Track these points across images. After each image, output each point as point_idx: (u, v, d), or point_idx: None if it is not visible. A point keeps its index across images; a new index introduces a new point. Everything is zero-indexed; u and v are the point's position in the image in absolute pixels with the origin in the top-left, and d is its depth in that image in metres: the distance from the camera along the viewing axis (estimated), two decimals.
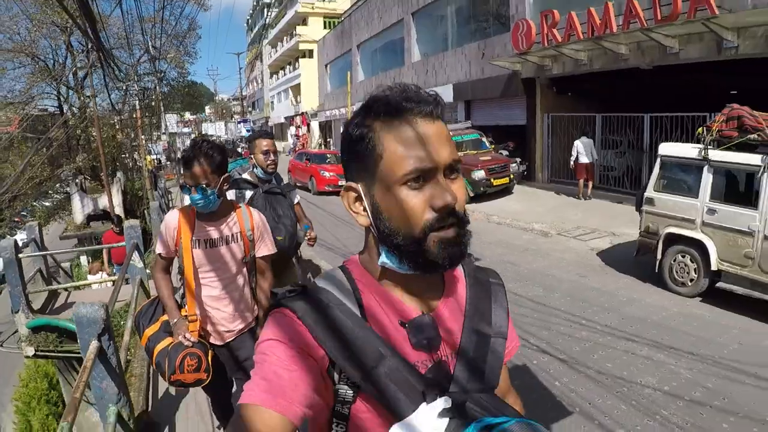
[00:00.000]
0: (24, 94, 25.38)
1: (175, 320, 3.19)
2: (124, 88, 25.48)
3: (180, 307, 3.30)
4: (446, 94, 22.10)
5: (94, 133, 24.29)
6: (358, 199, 1.11)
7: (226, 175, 3.20)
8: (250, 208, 3.43)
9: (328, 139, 43.95)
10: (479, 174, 16.09)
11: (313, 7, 51.07)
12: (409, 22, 26.44)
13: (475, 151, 17.17)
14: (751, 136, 7.01)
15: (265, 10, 64.05)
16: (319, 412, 1.02)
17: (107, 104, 25.26)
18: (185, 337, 3.12)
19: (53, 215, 26.25)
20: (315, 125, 46.49)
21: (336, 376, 1.04)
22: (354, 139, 1.08)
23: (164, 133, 37.79)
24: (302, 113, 49.77)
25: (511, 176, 16.89)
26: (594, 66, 14.90)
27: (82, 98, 25.71)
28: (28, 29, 23.99)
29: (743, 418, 4.82)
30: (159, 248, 3.31)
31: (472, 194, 16.11)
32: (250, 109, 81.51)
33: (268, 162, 4.34)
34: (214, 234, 3.24)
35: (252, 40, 78.88)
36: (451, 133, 1.16)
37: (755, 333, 6.64)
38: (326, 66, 43.16)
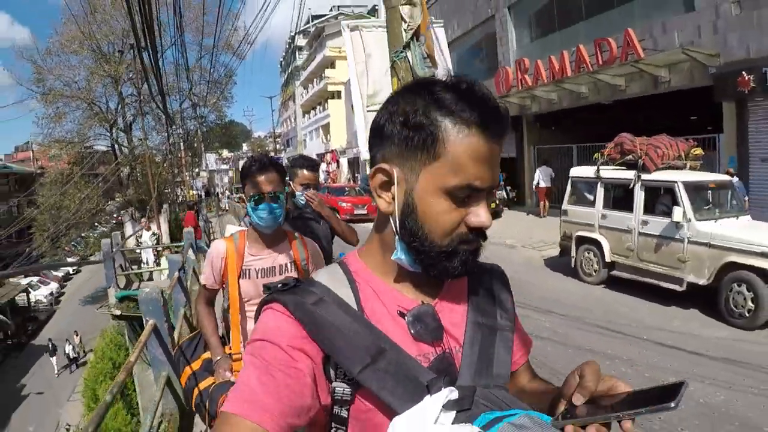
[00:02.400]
0: (81, 135, 28.70)
1: (218, 358, 2.88)
2: (168, 131, 28.68)
3: (224, 343, 3.00)
4: None
5: (141, 171, 27.52)
6: (388, 184, 1.03)
7: (288, 193, 3.02)
8: (304, 237, 3.09)
9: (356, 174, 46.40)
10: None
11: (340, 51, 53.90)
12: None
13: None
14: (627, 157, 9.34)
15: (296, 53, 67.54)
16: (313, 417, 0.98)
17: (154, 145, 28.29)
18: (228, 378, 2.79)
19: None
20: (344, 161, 49.05)
21: (332, 373, 0.98)
22: (410, 124, 0.97)
23: (204, 170, 40.62)
24: (332, 150, 52.36)
25: (497, 202, 19.05)
26: (563, 104, 17.34)
27: (131, 140, 28.93)
28: (88, 79, 27.33)
29: (622, 361, 7.06)
30: (204, 278, 3.02)
31: None
32: (282, 146, 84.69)
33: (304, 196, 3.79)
34: (266, 263, 2.92)
35: (285, 81, 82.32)
36: None
37: (638, 308, 8.90)
38: (352, 107, 45.79)
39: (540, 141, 19.84)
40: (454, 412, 0.87)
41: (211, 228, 25.22)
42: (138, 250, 17.02)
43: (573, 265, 10.67)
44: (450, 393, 0.88)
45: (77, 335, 24.08)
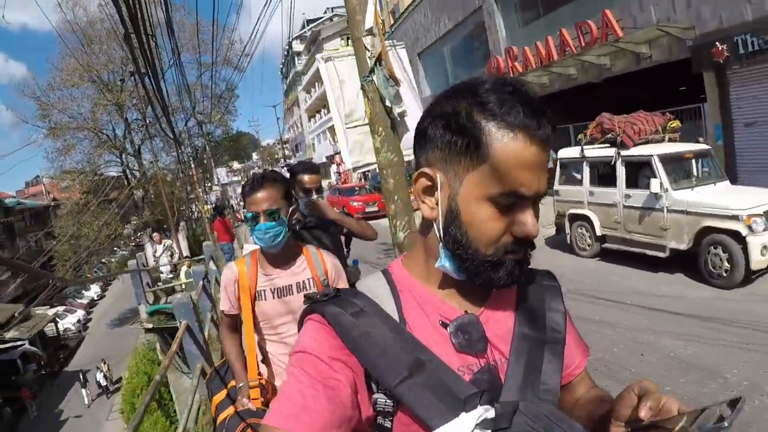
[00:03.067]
0: (92, 164, 29.76)
1: (240, 385, 2.78)
2: (177, 152, 29.63)
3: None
4: None
5: (155, 192, 28.56)
6: (432, 189, 1.02)
7: (294, 207, 2.82)
8: (320, 249, 2.96)
9: (367, 173, 47.06)
10: None
11: (337, 52, 54.63)
12: (416, 62, 29.76)
13: None
14: (608, 135, 9.98)
15: (296, 58, 68.32)
16: (356, 427, 0.98)
17: (164, 165, 29.19)
18: (246, 405, 2.72)
19: (126, 265, 30.43)
20: None
21: (374, 385, 0.99)
22: (452, 128, 0.97)
23: (216, 184, 41.43)
24: (340, 152, 52.85)
25: None
26: (555, 87, 17.92)
27: (142, 163, 29.97)
28: (93, 111, 28.37)
29: (606, 324, 7.59)
30: (221, 305, 2.96)
31: None
32: (290, 153, 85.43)
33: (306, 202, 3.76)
34: (282, 282, 2.80)
35: (287, 88, 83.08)
36: None
37: (630, 276, 9.58)
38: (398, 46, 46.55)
39: None
40: (489, 431, 0.85)
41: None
42: (157, 265, 17.74)
43: (568, 242, 11.37)
44: (485, 412, 0.87)
45: (105, 363, 24.50)
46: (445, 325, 1.04)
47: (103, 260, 33.83)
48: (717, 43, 11.94)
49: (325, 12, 65.39)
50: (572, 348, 1.21)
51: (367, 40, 6.18)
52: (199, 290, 8.29)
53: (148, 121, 26.53)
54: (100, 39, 28.13)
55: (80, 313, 38.63)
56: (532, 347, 1.09)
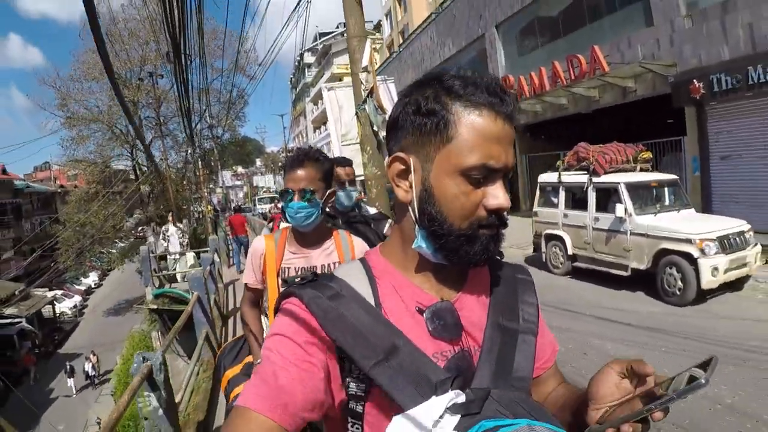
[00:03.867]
0: (103, 156, 30.57)
1: (258, 361, 2.29)
2: (193, 150, 30.42)
3: None
4: None
5: (157, 188, 29.36)
6: (405, 172, 1.05)
7: (332, 190, 2.75)
8: (350, 234, 2.89)
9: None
10: None
11: (347, 68, 55.47)
12: None
13: None
14: (582, 163, 10.67)
15: (306, 70, 69.27)
16: (329, 411, 1.00)
17: (173, 163, 29.90)
18: None
19: (126, 256, 31.15)
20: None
21: (347, 368, 1.00)
22: (422, 111, 1.00)
23: (221, 187, 42.18)
24: None
25: None
26: (547, 115, 18.67)
27: (153, 159, 30.80)
28: (109, 104, 29.20)
29: (560, 330, 8.38)
30: (245, 277, 2.92)
31: None
32: None
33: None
34: (307, 262, 2.77)
35: (296, 97, 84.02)
36: None
37: (598, 293, 10.20)
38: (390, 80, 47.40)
39: (531, 150, 21.05)
40: (459, 416, 0.86)
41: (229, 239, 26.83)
42: (165, 243, 18.57)
43: (543, 260, 12.00)
44: (456, 396, 0.88)
45: (94, 355, 24.74)
46: (421, 311, 1.05)
47: (102, 250, 34.33)
48: (695, 80, 12.66)
49: (337, 26, 66.29)
50: (543, 342, 1.22)
51: (363, 76, 7.44)
52: (207, 273, 9.36)
53: (161, 120, 27.40)
54: (122, 38, 28.94)
55: (77, 299, 39.40)
56: (505, 337, 1.09)
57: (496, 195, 0.99)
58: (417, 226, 1.04)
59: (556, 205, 11.51)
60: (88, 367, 24.31)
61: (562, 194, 11.31)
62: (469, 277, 1.15)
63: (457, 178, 0.98)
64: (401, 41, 38.99)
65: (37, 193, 50.12)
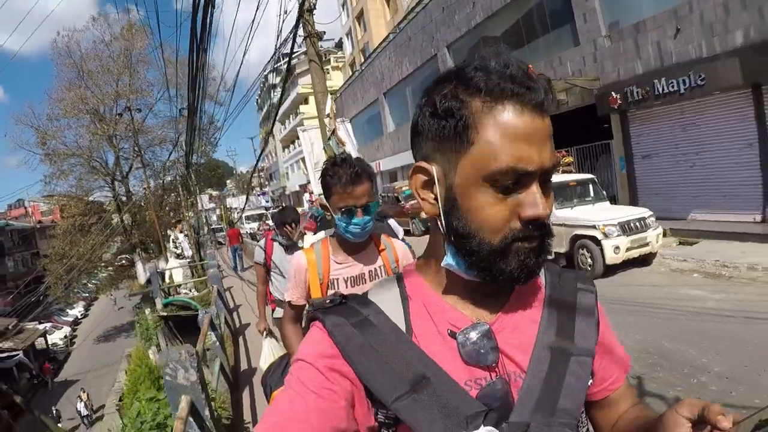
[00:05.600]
0: (84, 189, 32.43)
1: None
2: (163, 179, 32.46)
3: None
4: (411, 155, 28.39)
5: (139, 216, 31.53)
6: (429, 183, 0.97)
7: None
8: (389, 237, 2.87)
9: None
10: (424, 214, 22.30)
11: (311, 124, 56.95)
12: (383, 100, 32.86)
13: None
14: None
15: (271, 91, 71.30)
16: None
17: (151, 191, 31.87)
18: None
19: (114, 284, 33.15)
20: None
21: (375, 397, 0.94)
22: (439, 112, 0.91)
23: (200, 211, 44.06)
24: (310, 183, 55.21)
25: None
26: None
27: (129, 190, 32.77)
28: (90, 139, 31.11)
29: None
30: (288, 295, 2.85)
31: (423, 229, 21.82)
32: (265, 181, 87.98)
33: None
34: (354, 270, 2.72)
35: (263, 118, 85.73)
36: None
37: None
38: (348, 120, 49.32)
39: None
40: None
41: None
42: (177, 250, 21.50)
43: None
44: None
45: (84, 392, 24.35)
46: (453, 335, 0.97)
47: (85, 281, 36.12)
48: (613, 92, 14.87)
49: (300, 46, 68.09)
50: (610, 360, 1.13)
51: (327, 120, 10.20)
52: (215, 291, 11.68)
53: (140, 150, 29.44)
54: (94, 74, 30.82)
55: (66, 330, 41.30)
56: (556, 360, 0.99)
57: (532, 202, 0.88)
58: (445, 243, 0.98)
59: None
60: (80, 406, 23.65)
61: (552, 190, 13.55)
62: (513, 294, 1.05)
63: (484, 186, 0.89)
64: (362, 59, 41.32)
65: (18, 231, 51.60)
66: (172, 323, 13.98)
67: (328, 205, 2.68)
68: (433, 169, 0.95)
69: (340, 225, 2.61)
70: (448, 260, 0.97)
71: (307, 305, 2.85)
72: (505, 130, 0.86)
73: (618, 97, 14.81)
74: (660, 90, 13.53)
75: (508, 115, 0.87)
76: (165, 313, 15.04)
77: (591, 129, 16.94)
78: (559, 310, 1.06)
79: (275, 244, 5.30)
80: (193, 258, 21.73)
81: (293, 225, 5.19)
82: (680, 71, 12.90)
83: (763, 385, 5.62)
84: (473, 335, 0.96)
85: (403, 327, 0.99)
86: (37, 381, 29.85)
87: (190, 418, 4.02)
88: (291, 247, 5.13)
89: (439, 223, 0.97)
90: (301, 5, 10.02)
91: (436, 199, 0.96)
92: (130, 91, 30.95)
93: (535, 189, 0.89)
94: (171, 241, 22.61)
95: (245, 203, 46.57)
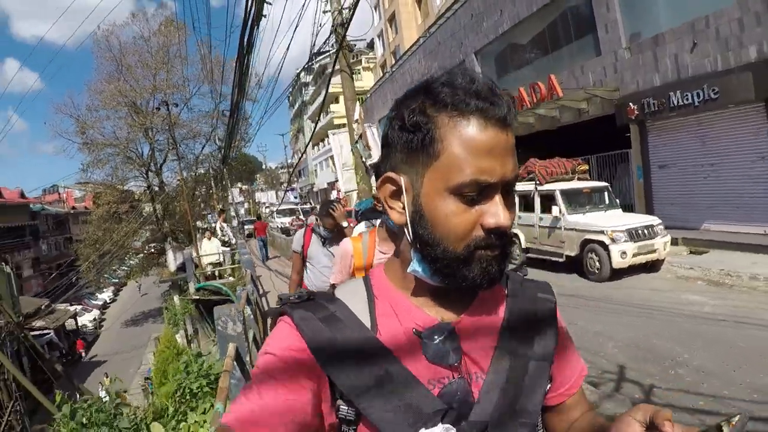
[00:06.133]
0: (120, 178, 33.74)
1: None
2: (195, 171, 33.52)
3: None
4: None
5: (171, 206, 32.66)
6: (397, 193, 1.01)
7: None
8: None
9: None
10: None
11: (340, 129, 57.64)
12: None
13: None
14: (531, 175, 13.58)
15: (303, 89, 72.25)
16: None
17: (183, 183, 33.01)
18: None
19: (144, 271, 34.31)
20: None
21: (338, 392, 0.97)
22: (408, 126, 0.95)
23: (231, 204, 45.22)
24: (338, 181, 55.96)
25: None
26: (519, 132, 21.32)
27: (162, 181, 33.91)
28: (128, 131, 32.39)
29: None
30: (333, 278, 3.12)
31: None
32: (295, 178, 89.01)
33: None
34: None
35: (294, 115, 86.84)
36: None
37: (544, 277, 12.94)
38: (377, 122, 49.97)
39: None
40: None
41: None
42: (223, 235, 23.32)
43: None
44: (445, 431, 0.86)
45: (107, 377, 23.98)
46: (418, 334, 1.00)
47: (114, 268, 37.39)
48: (630, 103, 15.32)
49: (332, 46, 68.85)
50: (567, 366, 1.18)
51: (355, 126, 11.20)
52: (248, 275, 12.54)
53: (177, 145, 30.59)
54: (132, 68, 32.14)
55: (96, 313, 42.68)
56: (515, 363, 1.04)
57: (493, 213, 0.93)
58: (412, 249, 1.01)
59: None
60: (102, 393, 23.33)
61: (516, 200, 14.14)
62: (477, 297, 1.09)
63: (449, 197, 0.93)
64: (393, 61, 41.92)
65: (53, 216, 53.34)
66: (203, 307, 14.78)
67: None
68: (402, 180, 0.99)
69: (386, 218, 2.78)
70: (414, 266, 1.01)
71: None
72: (470, 143, 0.90)
73: (635, 108, 15.23)
74: (675, 102, 13.92)
75: (473, 129, 0.91)
76: (197, 297, 15.88)
77: (611, 138, 17.29)
78: (519, 317, 1.10)
79: (314, 235, 5.43)
80: (228, 245, 22.70)
81: (334, 207, 5.23)
82: (695, 84, 13.29)
83: (736, 380, 6.17)
84: (437, 335, 0.99)
85: (368, 324, 1.02)
86: (66, 360, 30.90)
87: (234, 362, 4.71)
88: (329, 240, 5.28)
89: (406, 231, 1.01)
90: (334, 20, 10.74)
91: (404, 208, 1.00)
92: (167, 86, 32.07)
93: (497, 200, 0.93)
94: (218, 229, 23.79)
95: (282, 199, 47.30)
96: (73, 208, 59.06)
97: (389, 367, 0.96)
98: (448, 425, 0.88)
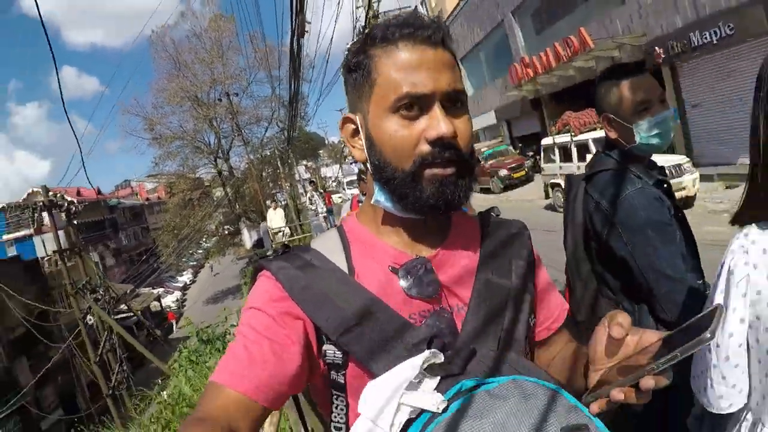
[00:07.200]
0: (190, 168, 36.59)
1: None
2: (261, 153, 36.17)
3: None
4: (490, 117, 31.02)
5: (243, 188, 35.52)
6: (357, 132, 1.07)
7: None
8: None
9: None
10: (503, 172, 24.40)
11: None
12: (460, 65, 34.49)
13: (503, 158, 25.44)
14: (567, 126, 15.02)
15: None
16: (310, 382, 1.04)
17: (252, 166, 35.54)
18: None
19: (221, 251, 37.27)
20: None
21: (324, 337, 1.01)
22: (351, 67, 1.05)
23: (298, 181, 47.63)
24: None
25: (526, 170, 24.50)
26: (559, 85, 22.57)
27: (230, 166, 36.55)
28: (194, 123, 34.98)
29: None
30: None
31: (502, 186, 24.35)
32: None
33: None
34: None
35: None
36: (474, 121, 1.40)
37: None
38: None
39: (558, 115, 24.57)
40: (438, 377, 0.84)
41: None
42: (313, 207, 26.08)
43: (552, 203, 16.36)
44: (433, 356, 0.85)
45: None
46: (395, 271, 1.04)
47: (191, 251, 40.60)
48: (656, 47, 16.21)
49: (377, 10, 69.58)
50: (549, 302, 1.23)
51: None
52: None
53: (242, 131, 33.03)
54: (189, 65, 34.52)
55: (177, 294, 46.80)
56: (495, 294, 1.07)
57: (433, 125, 0.96)
58: (374, 180, 1.07)
59: (554, 161, 15.86)
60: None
61: (556, 151, 15.70)
62: (451, 232, 1.14)
63: (391, 117, 0.99)
64: None
65: (129, 208, 57.43)
66: None
67: None
68: (357, 118, 1.07)
69: None
70: (376, 196, 1.06)
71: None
72: (399, 64, 0.99)
73: (662, 51, 16.05)
74: (696, 42, 14.62)
75: (401, 52, 0.99)
76: None
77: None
78: (495, 251, 1.15)
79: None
80: (293, 219, 24.64)
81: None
82: (711, 23, 13.98)
83: None
84: (413, 269, 1.04)
85: (345, 269, 1.07)
86: (152, 339, 33.88)
87: None
88: None
89: (368, 164, 1.06)
90: (367, 13, 12.18)
91: (363, 144, 1.07)
92: (225, 77, 34.10)
93: (437, 111, 0.97)
94: (308, 199, 26.21)
95: (341, 171, 48.87)
96: (147, 199, 63.34)
97: (370, 306, 1.00)
98: (434, 350, 0.88)
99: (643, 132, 2.15)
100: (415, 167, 0.99)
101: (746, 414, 1.34)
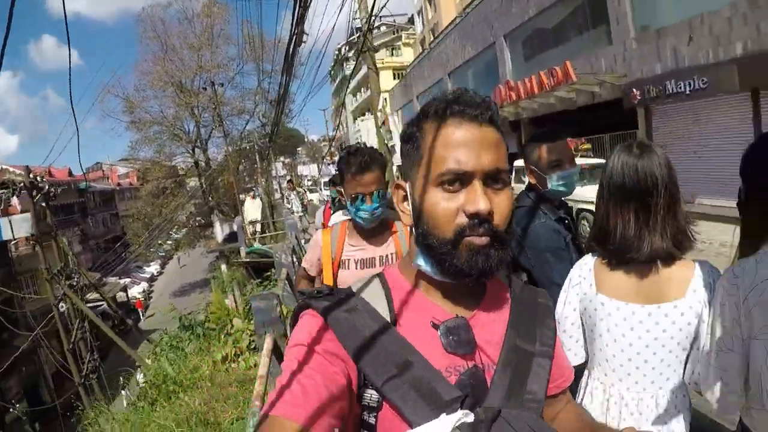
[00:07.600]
0: (166, 155, 36.97)
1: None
2: (240, 146, 36.84)
3: None
4: None
5: (219, 180, 35.92)
6: (406, 198, 1.17)
7: (388, 181, 2.90)
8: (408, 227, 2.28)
9: None
10: None
11: (383, 62, 58.80)
12: (447, 80, 35.47)
13: None
14: None
15: (344, 63, 74.41)
16: (346, 420, 1.03)
17: (230, 158, 35.92)
18: None
19: (191, 243, 37.66)
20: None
21: (363, 379, 1.06)
22: (405, 139, 1.16)
23: (274, 178, 47.91)
24: None
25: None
26: (539, 111, 23.50)
27: (208, 157, 37.02)
28: (176, 110, 35.42)
29: None
30: (305, 262, 3.30)
31: None
32: (337, 151, 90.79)
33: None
34: (366, 254, 3.04)
35: (335, 90, 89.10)
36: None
37: None
38: (396, 112, 51.76)
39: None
40: None
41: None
42: (289, 206, 25.51)
43: None
44: (464, 416, 0.89)
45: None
46: (435, 327, 1.10)
47: (160, 242, 40.89)
48: (634, 89, 17.24)
49: (373, 21, 70.37)
50: (560, 363, 1.34)
51: (379, 114, 14.28)
52: (293, 237, 15.30)
53: (222, 122, 33.51)
54: (177, 49, 35.04)
55: (144, 285, 46.71)
56: (521, 357, 1.17)
57: (472, 200, 1.05)
58: (418, 245, 1.15)
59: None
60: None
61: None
62: (486, 296, 1.23)
63: (434, 189, 1.07)
64: (431, 38, 43.70)
65: (99, 192, 57.26)
66: (252, 269, 17.55)
67: (342, 191, 3.07)
68: (407, 185, 1.16)
69: (350, 210, 2.92)
70: (417, 260, 1.15)
71: (316, 279, 3.30)
72: (446, 140, 1.07)
73: (638, 93, 17.09)
74: (670, 90, 15.69)
75: (449, 128, 1.07)
76: (248, 259, 18.64)
77: (623, 119, 19.18)
78: (522, 317, 1.24)
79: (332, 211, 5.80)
80: (266, 216, 25.10)
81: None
82: (687, 75, 15.13)
83: None
84: (453, 327, 1.11)
85: (387, 317, 1.12)
86: (118, 330, 34.24)
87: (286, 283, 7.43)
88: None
89: (414, 231, 1.16)
90: (361, 28, 13.36)
91: (410, 210, 1.16)
92: (212, 66, 34.75)
93: (477, 188, 1.05)
94: (285, 198, 26.71)
95: (320, 172, 49.37)
96: (118, 184, 63.09)
97: (410, 357, 1.06)
98: (467, 411, 0.91)
99: (553, 182, 2.93)
100: (455, 236, 1.07)
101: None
